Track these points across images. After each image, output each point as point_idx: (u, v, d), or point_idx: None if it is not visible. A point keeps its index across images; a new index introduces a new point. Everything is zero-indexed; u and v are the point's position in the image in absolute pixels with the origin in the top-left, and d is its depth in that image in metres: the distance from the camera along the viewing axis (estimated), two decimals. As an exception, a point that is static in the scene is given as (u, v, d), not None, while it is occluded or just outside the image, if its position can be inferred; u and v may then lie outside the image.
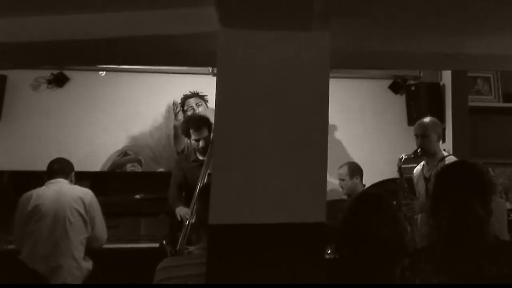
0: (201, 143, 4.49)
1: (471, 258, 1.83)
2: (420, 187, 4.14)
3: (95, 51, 2.90)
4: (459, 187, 1.95)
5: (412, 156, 4.13)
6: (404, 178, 4.16)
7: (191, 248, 3.16)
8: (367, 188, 4.80)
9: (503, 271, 1.81)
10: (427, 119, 4.25)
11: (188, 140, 4.97)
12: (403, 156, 4.16)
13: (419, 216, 4.12)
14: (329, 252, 2.95)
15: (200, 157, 4.52)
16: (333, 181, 4.97)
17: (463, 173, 2.01)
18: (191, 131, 4.52)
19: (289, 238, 2.13)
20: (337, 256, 2.52)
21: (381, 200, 2.52)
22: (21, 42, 2.56)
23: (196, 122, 4.56)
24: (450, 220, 1.89)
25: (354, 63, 3.22)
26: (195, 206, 3.44)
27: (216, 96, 2.24)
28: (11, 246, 4.12)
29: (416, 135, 4.16)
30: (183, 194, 4.52)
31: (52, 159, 4.38)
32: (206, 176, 3.61)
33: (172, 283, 2.38)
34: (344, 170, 4.88)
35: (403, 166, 4.23)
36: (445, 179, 2.04)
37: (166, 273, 2.43)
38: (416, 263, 1.88)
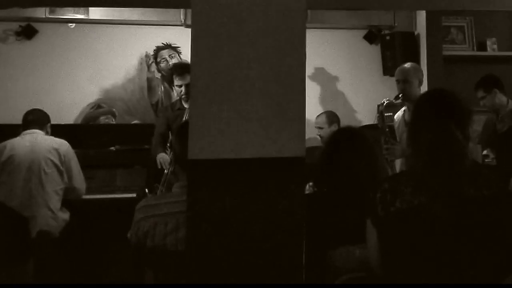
0: (183, 89, 4.49)
1: (450, 180, 1.85)
2: (401, 132, 4.16)
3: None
4: (438, 113, 1.96)
5: (394, 101, 4.14)
6: (385, 122, 4.16)
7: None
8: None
9: (482, 192, 1.83)
10: (408, 65, 4.27)
11: (162, 92, 4.97)
12: (385, 101, 4.17)
13: (398, 162, 4.15)
14: (308, 188, 2.96)
15: (185, 105, 4.51)
16: (310, 125, 4.98)
17: (441, 99, 2.02)
18: (174, 76, 4.53)
19: (269, 172, 2.12)
20: (315, 191, 2.53)
21: (358, 136, 2.52)
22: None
23: (180, 68, 4.59)
24: (429, 144, 1.90)
25: (331, 3, 3.18)
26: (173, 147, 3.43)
27: (191, 34, 2.19)
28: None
29: (398, 81, 4.17)
30: (168, 144, 4.52)
31: (22, 112, 4.30)
32: None
33: (152, 221, 2.37)
34: (322, 118, 4.90)
35: (385, 114, 4.24)
36: (424, 106, 2.05)
37: (145, 212, 2.41)
38: (396, 186, 1.90)
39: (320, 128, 4.86)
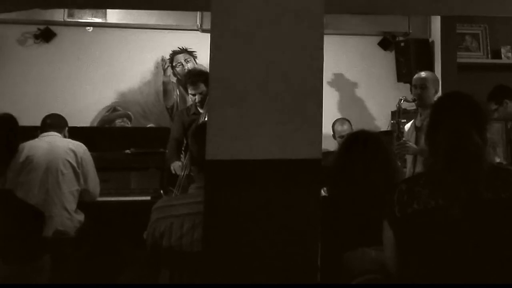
0: (197, 98, 4.54)
1: (468, 182, 1.85)
2: (411, 137, 4.19)
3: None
4: (455, 115, 1.97)
5: (410, 100, 4.21)
6: (401, 118, 4.18)
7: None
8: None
9: (500, 195, 1.83)
10: (427, 72, 4.35)
11: (177, 96, 5.00)
12: (402, 99, 4.23)
13: (409, 159, 4.18)
14: (323, 192, 2.97)
15: (201, 110, 4.54)
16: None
17: (459, 102, 2.03)
18: (187, 84, 4.58)
19: (285, 174, 2.13)
20: (328, 195, 2.54)
21: (373, 138, 2.53)
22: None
23: (193, 77, 4.63)
24: (447, 146, 1.90)
25: (347, 7, 3.20)
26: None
27: (211, 38, 2.21)
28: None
29: (415, 86, 4.23)
30: (183, 148, 4.55)
31: (39, 115, 4.36)
32: None
33: (168, 222, 2.39)
34: (348, 125, 5.00)
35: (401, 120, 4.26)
36: (442, 107, 2.06)
37: (162, 212, 2.43)
38: (413, 187, 1.90)
39: None
